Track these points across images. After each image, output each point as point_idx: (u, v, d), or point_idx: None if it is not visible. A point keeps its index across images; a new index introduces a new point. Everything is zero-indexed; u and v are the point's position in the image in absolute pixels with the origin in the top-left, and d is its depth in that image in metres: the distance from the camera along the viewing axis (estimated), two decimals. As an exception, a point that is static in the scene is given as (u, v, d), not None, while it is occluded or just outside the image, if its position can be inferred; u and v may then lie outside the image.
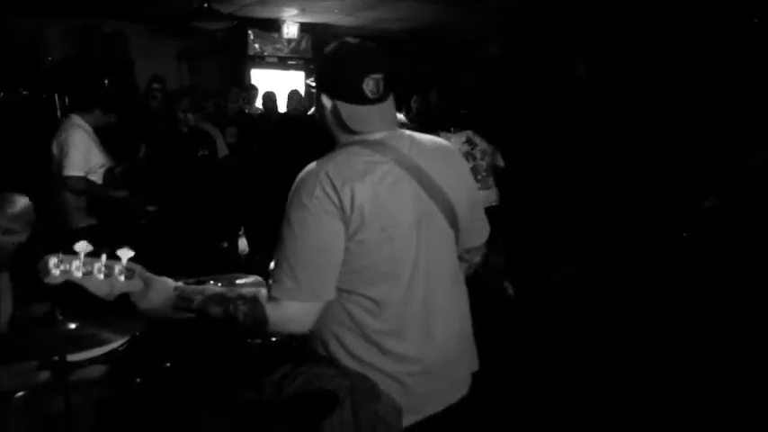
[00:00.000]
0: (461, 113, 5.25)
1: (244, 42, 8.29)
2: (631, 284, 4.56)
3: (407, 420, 1.53)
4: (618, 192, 5.21)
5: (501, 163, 5.10)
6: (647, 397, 3.43)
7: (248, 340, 2.66)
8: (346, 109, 1.51)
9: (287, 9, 7.36)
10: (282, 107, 6.79)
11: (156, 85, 5.53)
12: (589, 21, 6.80)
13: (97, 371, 2.27)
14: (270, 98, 6.76)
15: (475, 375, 1.71)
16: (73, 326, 1.94)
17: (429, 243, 1.55)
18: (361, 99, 1.49)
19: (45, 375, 2.13)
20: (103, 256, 1.45)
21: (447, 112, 6.31)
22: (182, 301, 1.51)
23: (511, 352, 3.83)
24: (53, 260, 1.40)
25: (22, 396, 2.08)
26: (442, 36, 8.50)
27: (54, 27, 6.75)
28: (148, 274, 1.52)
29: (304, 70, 8.93)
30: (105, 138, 4.12)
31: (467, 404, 1.64)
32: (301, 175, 1.48)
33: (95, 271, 1.43)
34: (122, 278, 1.46)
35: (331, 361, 1.61)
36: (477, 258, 1.88)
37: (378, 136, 1.53)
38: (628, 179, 5.24)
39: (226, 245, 5.16)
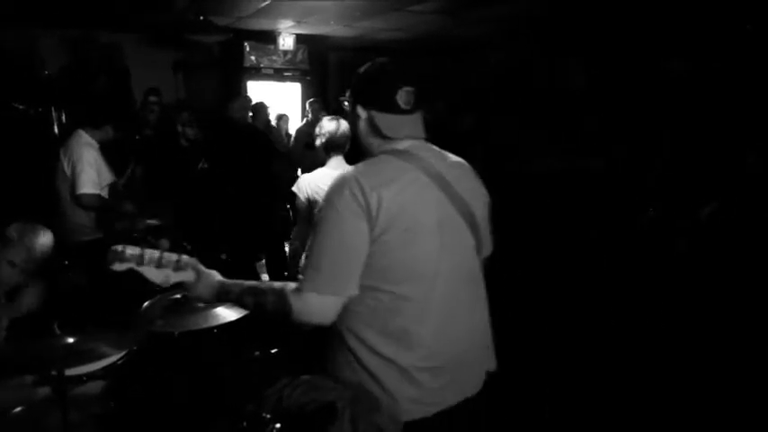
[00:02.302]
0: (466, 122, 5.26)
1: (240, 54, 8.31)
2: (631, 288, 4.56)
3: (419, 413, 1.60)
4: (616, 198, 5.22)
5: None
6: (645, 399, 3.43)
7: (247, 353, 2.66)
8: (380, 117, 1.66)
9: (283, 21, 7.39)
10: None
11: (152, 98, 5.53)
12: (587, 28, 6.83)
13: (96, 386, 2.26)
14: (260, 109, 6.76)
15: (491, 374, 1.77)
16: (71, 340, 1.94)
17: (451, 247, 1.64)
18: (394, 109, 1.65)
19: (43, 390, 2.13)
20: (161, 250, 1.62)
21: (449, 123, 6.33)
22: (223, 293, 1.65)
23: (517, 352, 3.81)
24: (118, 251, 1.56)
25: (20, 411, 2.07)
26: (439, 46, 8.52)
27: (49, 39, 6.76)
28: (200, 268, 1.67)
29: (300, 82, 8.95)
30: (105, 152, 4.11)
31: (479, 401, 1.70)
32: (336, 178, 1.61)
33: (153, 262, 1.59)
34: (175, 269, 1.62)
35: (336, 369, 1.69)
36: None
37: (407, 144, 1.67)
38: (626, 185, 5.25)
39: (224, 257, 5.15)
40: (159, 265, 1.60)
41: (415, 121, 1.69)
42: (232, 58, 8.24)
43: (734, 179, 4.37)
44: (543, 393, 3.63)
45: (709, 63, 5.76)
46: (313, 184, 3.25)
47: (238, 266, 4.86)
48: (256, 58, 8.48)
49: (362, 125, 1.71)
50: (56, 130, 5.95)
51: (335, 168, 3.25)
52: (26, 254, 2.41)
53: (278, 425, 2.07)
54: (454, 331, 1.65)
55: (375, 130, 1.67)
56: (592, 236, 4.89)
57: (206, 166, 4.62)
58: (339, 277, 1.54)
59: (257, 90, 8.28)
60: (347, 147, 3.25)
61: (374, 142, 1.71)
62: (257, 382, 2.38)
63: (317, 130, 3.30)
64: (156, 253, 1.59)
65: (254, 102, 6.67)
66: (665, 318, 4.20)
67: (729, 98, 5.30)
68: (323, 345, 1.76)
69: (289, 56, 8.60)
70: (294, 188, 3.30)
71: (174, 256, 1.62)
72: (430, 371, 1.61)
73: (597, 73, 6.82)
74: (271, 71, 8.63)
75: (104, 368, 2.26)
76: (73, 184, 3.87)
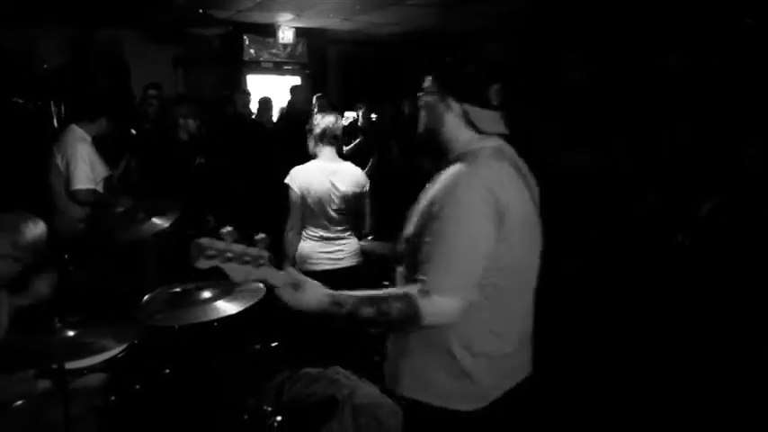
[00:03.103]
0: None
1: (239, 48, 8.30)
2: (631, 284, 4.56)
3: (494, 395, 1.66)
4: (615, 195, 5.21)
5: None
6: (644, 394, 3.43)
7: (247, 346, 2.66)
8: (475, 112, 1.65)
9: (282, 14, 7.37)
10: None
11: (152, 92, 5.51)
12: (584, 23, 6.81)
13: (96, 379, 2.26)
14: (265, 104, 6.76)
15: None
16: (72, 333, 1.94)
17: (537, 247, 1.71)
18: (488, 104, 1.65)
19: (44, 384, 2.13)
20: (242, 245, 1.49)
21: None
22: (334, 305, 1.54)
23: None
24: (204, 245, 1.44)
25: (21, 405, 2.07)
26: (437, 40, 8.51)
27: (48, 35, 6.74)
28: (302, 277, 1.56)
29: (300, 75, 8.94)
30: (98, 146, 4.10)
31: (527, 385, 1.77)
32: (456, 176, 1.57)
33: (239, 258, 1.48)
34: (256, 266, 1.50)
35: (425, 370, 1.68)
36: None
37: (498, 143, 1.68)
38: (625, 181, 5.24)
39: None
40: (243, 262, 1.50)
41: (501, 117, 1.69)
42: (232, 51, 8.23)
43: (734, 174, 4.36)
44: (545, 389, 3.63)
45: (707, 58, 5.75)
46: (304, 175, 3.28)
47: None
48: (256, 52, 8.46)
49: (451, 118, 1.67)
50: (55, 123, 5.94)
51: (327, 160, 3.30)
52: (10, 243, 2.35)
53: (279, 418, 2.08)
54: (520, 327, 1.73)
55: (469, 124, 1.65)
56: (591, 235, 4.89)
57: (203, 161, 4.60)
58: (470, 279, 1.53)
59: (257, 84, 8.26)
60: (340, 141, 3.32)
61: (464, 137, 1.67)
62: (258, 375, 2.38)
63: (313, 121, 3.34)
64: (239, 248, 1.48)
65: (251, 95, 6.69)
66: (665, 313, 4.20)
67: (728, 94, 5.28)
68: (392, 348, 1.76)
69: (288, 49, 8.59)
70: (287, 180, 3.31)
71: (254, 251, 1.51)
72: (507, 357, 1.67)
73: (595, 69, 6.80)
74: (270, 65, 8.62)
75: (105, 361, 2.27)
76: (68, 179, 3.86)
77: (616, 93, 6.20)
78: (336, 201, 3.27)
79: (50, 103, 6.00)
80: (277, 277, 1.52)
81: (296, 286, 1.53)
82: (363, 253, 3.42)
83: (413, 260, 1.61)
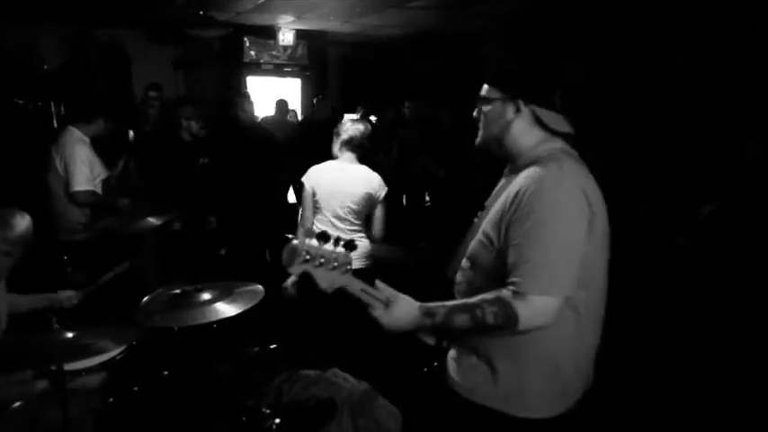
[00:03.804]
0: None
1: (240, 49, 8.31)
2: (631, 286, 4.56)
3: (577, 396, 1.67)
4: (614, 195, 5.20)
5: None
6: (644, 401, 3.43)
7: (246, 348, 2.66)
8: (543, 113, 1.62)
9: (283, 16, 7.38)
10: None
11: (152, 93, 5.50)
12: (585, 24, 6.82)
13: (95, 380, 2.26)
14: (282, 106, 6.81)
15: None
16: (70, 335, 1.94)
17: (607, 251, 1.67)
18: (553, 106, 1.63)
19: (42, 385, 2.13)
20: (330, 249, 1.47)
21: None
22: (426, 317, 1.53)
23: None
24: (299, 249, 1.43)
25: (20, 406, 2.07)
26: (437, 42, 8.51)
27: (49, 35, 6.75)
28: (393, 292, 1.55)
29: (300, 77, 8.95)
30: (97, 147, 4.10)
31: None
32: (542, 176, 1.52)
33: (329, 263, 1.46)
34: (342, 273, 1.48)
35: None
36: None
37: (563, 145, 1.65)
38: (625, 181, 5.24)
39: (224, 252, 5.15)
40: (331, 268, 1.48)
41: (566, 120, 1.66)
42: (232, 53, 8.23)
43: (734, 175, 4.36)
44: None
45: (707, 59, 5.75)
46: (318, 172, 3.36)
47: (239, 262, 4.86)
48: (256, 54, 8.47)
49: (520, 121, 1.63)
50: (55, 124, 5.94)
51: (345, 162, 3.34)
52: (1, 238, 2.35)
53: (277, 420, 2.08)
54: (599, 329, 1.72)
55: (540, 124, 1.62)
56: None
57: (206, 161, 4.60)
58: (566, 277, 1.50)
59: (257, 85, 8.27)
60: (365, 149, 3.35)
61: (535, 139, 1.63)
62: (257, 377, 2.38)
63: (342, 126, 3.39)
64: (328, 251, 1.46)
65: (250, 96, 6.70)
66: (664, 315, 4.20)
67: (728, 94, 5.29)
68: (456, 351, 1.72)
69: (289, 51, 8.59)
70: (303, 178, 3.40)
71: (342, 257, 1.48)
72: (581, 363, 1.68)
73: (595, 70, 6.80)
74: (271, 66, 8.63)
75: (104, 363, 2.27)
76: (66, 181, 3.85)
77: (616, 93, 6.21)
78: (346, 200, 3.29)
79: (50, 103, 6.01)
80: (357, 286, 1.51)
81: (388, 302, 1.52)
82: (373, 257, 3.44)
83: (490, 268, 1.59)
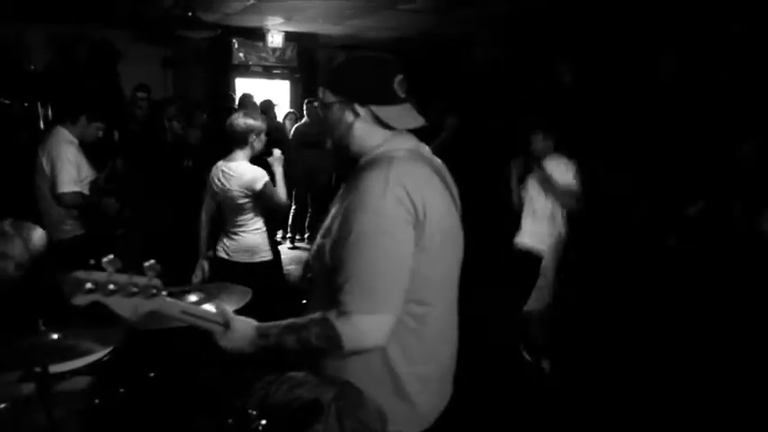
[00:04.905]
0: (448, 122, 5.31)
1: (228, 51, 8.30)
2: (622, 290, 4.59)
3: (433, 416, 1.59)
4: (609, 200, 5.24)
5: None
6: (634, 400, 3.46)
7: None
8: (382, 110, 1.51)
9: (272, 18, 7.37)
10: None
11: (141, 94, 5.49)
12: (575, 27, 6.86)
13: (80, 382, 2.25)
14: (268, 108, 6.81)
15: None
16: (55, 336, 1.93)
17: (458, 256, 1.60)
18: (395, 99, 1.52)
19: (27, 387, 2.11)
20: (127, 274, 1.35)
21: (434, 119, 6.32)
22: (261, 338, 1.48)
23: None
24: (81, 280, 1.30)
25: (4, 408, 2.06)
26: (428, 44, 8.54)
27: (36, 33, 6.71)
28: (231, 315, 1.50)
29: (289, 79, 8.94)
30: (86, 148, 4.08)
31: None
32: (366, 183, 1.42)
33: (123, 290, 1.34)
34: (146, 297, 1.37)
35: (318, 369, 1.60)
36: None
37: (412, 143, 1.56)
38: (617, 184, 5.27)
39: (212, 254, 5.14)
40: (129, 294, 1.34)
41: (412, 110, 1.56)
42: (220, 55, 8.22)
43: (725, 175, 4.39)
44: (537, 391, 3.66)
45: (697, 61, 5.81)
46: (213, 170, 3.50)
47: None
48: (245, 56, 8.47)
49: (360, 124, 1.52)
50: (41, 125, 5.89)
51: (231, 160, 3.44)
52: (24, 248, 2.37)
53: (263, 421, 2.08)
54: (451, 343, 1.64)
55: (380, 123, 1.51)
56: (583, 237, 4.93)
57: (190, 164, 4.59)
58: (393, 294, 1.40)
59: (246, 87, 8.26)
60: (249, 142, 3.43)
61: (377, 139, 1.53)
62: (243, 378, 2.38)
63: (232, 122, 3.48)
64: (123, 278, 1.32)
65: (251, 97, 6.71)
66: (655, 315, 4.23)
67: (719, 95, 5.34)
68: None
69: (278, 53, 8.60)
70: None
71: (143, 280, 1.34)
72: (432, 383, 1.58)
73: (584, 71, 6.84)
74: (259, 68, 8.64)
75: (89, 365, 2.25)
76: (53, 182, 3.83)
77: (606, 95, 6.25)
78: (225, 197, 3.45)
79: (37, 104, 5.96)
80: (172, 307, 1.42)
81: (226, 324, 1.48)
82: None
83: (326, 281, 1.47)
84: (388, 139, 1.54)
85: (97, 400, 2.17)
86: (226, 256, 3.53)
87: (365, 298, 1.38)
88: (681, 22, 5.89)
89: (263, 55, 8.58)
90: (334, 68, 1.56)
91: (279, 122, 7.36)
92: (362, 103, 1.52)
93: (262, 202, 3.43)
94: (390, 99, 1.52)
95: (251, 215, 3.47)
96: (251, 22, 7.52)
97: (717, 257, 4.02)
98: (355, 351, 1.44)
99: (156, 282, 1.38)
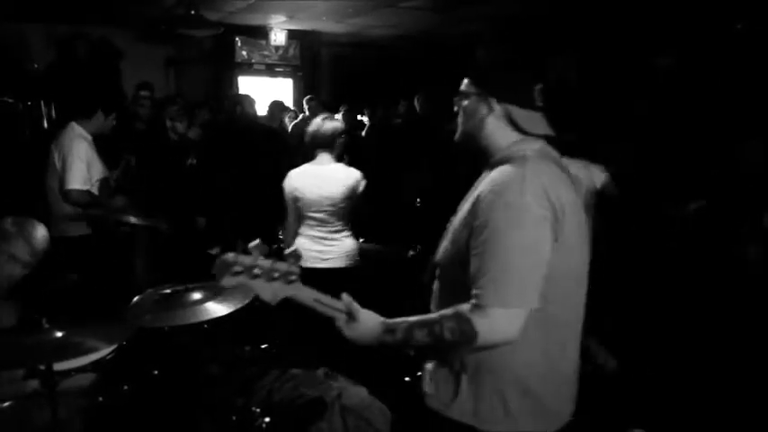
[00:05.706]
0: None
1: (231, 49, 8.30)
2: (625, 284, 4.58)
3: (563, 419, 1.58)
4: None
5: None
6: (635, 400, 3.46)
7: (237, 348, 2.66)
8: (518, 112, 1.55)
9: (274, 16, 7.37)
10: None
11: (143, 93, 5.45)
12: (575, 24, 6.85)
13: (84, 379, 2.26)
14: (275, 107, 6.78)
15: None
16: (60, 334, 1.94)
17: (586, 259, 1.60)
18: (531, 105, 1.57)
19: (32, 385, 2.12)
20: (271, 260, 1.43)
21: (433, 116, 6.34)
22: (387, 333, 1.49)
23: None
24: (229, 263, 1.38)
25: (9, 406, 2.06)
26: (430, 42, 8.53)
27: (38, 33, 6.71)
28: (357, 307, 1.51)
29: (292, 77, 8.94)
30: (98, 143, 4.04)
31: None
32: (503, 180, 1.46)
33: (266, 274, 1.42)
34: (286, 283, 1.44)
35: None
36: None
37: (540, 145, 1.57)
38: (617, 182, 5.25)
39: (215, 251, 5.13)
40: (271, 278, 1.42)
41: (544, 119, 1.60)
42: (223, 53, 8.22)
43: (725, 174, 4.38)
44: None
45: (696, 59, 5.80)
46: (295, 178, 3.33)
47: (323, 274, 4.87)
48: (248, 54, 8.47)
49: (492, 119, 1.57)
50: (45, 124, 5.90)
51: (318, 164, 3.32)
52: (27, 247, 2.37)
53: (267, 419, 2.09)
54: (576, 346, 1.62)
55: (513, 125, 1.56)
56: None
57: (194, 162, 4.58)
58: (528, 287, 1.41)
59: (249, 86, 8.26)
60: (335, 145, 3.31)
61: (507, 139, 1.57)
62: (247, 376, 2.39)
63: (312, 127, 3.38)
64: (267, 263, 1.41)
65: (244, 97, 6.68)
66: (652, 316, 4.23)
67: (718, 94, 5.32)
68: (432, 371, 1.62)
69: (281, 51, 8.59)
70: (284, 183, 3.35)
71: (284, 266, 1.43)
72: (568, 381, 1.60)
73: (587, 70, 6.84)
74: (262, 67, 8.62)
75: (93, 362, 2.26)
76: (61, 177, 3.74)
77: (607, 93, 6.24)
78: (324, 203, 3.29)
79: (40, 103, 5.96)
80: (308, 295, 1.47)
81: (350, 315, 1.50)
82: (362, 255, 3.44)
83: (456, 276, 1.51)
84: (518, 142, 1.56)
85: (101, 398, 2.18)
86: (322, 265, 3.35)
87: (501, 292, 1.40)
88: (680, 22, 5.88)
89: (266, 53, 8.57)
90: (481, 61, 1.64)
91: (285, 123, 7.35)
92: (500, 101, 1.56)
93: (353, 202, 3.36)
94: (529, 104, 1.57)
95: (346, 218, 3.38)
96: (254, 20, 7.52)
97: (717, 258, 4.01)
98: (487, 345, 1.43)
99: (295, 269, 1.44)
